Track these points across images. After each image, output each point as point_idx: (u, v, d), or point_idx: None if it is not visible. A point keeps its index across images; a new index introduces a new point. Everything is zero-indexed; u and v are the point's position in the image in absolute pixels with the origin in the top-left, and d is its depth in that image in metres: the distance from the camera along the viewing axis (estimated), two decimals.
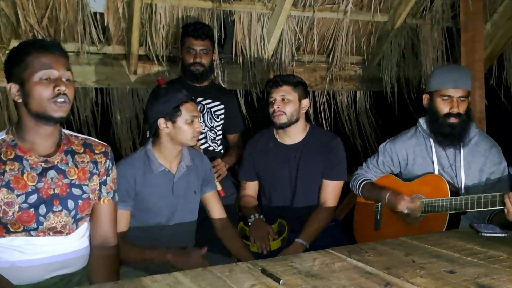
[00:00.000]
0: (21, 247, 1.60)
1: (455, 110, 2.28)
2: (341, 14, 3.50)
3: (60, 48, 1.64)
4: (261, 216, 2.50)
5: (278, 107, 2.46)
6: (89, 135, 3.18)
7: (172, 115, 2.09)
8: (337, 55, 3.70)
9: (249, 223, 2.48)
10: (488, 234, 1.89)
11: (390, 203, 2.36)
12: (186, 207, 2.23)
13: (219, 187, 2.58)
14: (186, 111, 2.11)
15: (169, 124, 2.10)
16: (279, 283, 1.35)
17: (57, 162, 1.65)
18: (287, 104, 2.47)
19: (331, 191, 2.53)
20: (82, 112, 3.24)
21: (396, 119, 3.88)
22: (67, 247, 1.68)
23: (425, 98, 2.43)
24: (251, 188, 2.68)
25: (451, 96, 2.29)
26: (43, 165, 1.62)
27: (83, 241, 1.75)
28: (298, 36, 3.52)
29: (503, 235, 1.88)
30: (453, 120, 2.29)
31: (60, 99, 1.56)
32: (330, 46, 3.72)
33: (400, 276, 1.41)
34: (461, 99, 2.30)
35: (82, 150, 1.74)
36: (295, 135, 2.56)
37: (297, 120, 2.51)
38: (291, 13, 3.35)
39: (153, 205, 2.14)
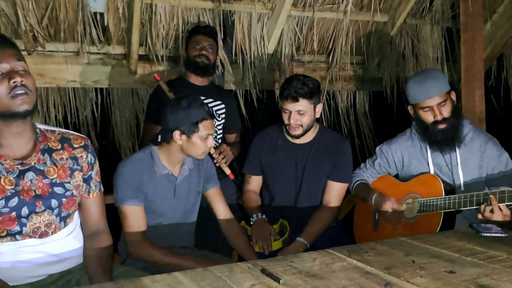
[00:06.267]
0: (11, 251, 1.58)
1: (439, 118, 2.28)
2: (341, 14, 3.50)
3: (5, 39, 1.56)
4: (264, 216, 2.50)
5: (296, 121, 2.43)
6: (89, 135, 3.20)
7: (189, 131, 2.06)
8: (337, 55, 3.70)
9: (251, 222, 2.48)
10: (488, 234, 1.89)
11: (376, 203, 2.41)
12: (187, 208, 2.23)
13: (228, 171, 2.63)
14: (203, 128, 2.08)
15: (184, 137, 2.07)
16: (279, 283, 1.35)
17: (34, 163, 1.60)
18: (303, 116, 2.43)
19: (335, 192, 2.53)
20: (82, 112, 3.25)
21: (395, 120, 3.89)
22: (58, 247, 1.67)
23: (410, 109, 2.42)
24: (255, 183, 2.67)
25: (430, 106, 2.28)
26: (19, 168, 1.57)
27: (76, 239, 1.74)
28: (298, 36, 3.51)
29: (503, 235, 1.88)
30: (441, 126, 2.29)
31: (19, 91, 1.48)
32: (330, 46, 3.72)
33: (400, 276, 1.41)
34: (441, 104, 2.28)
35: (59, 147, 1.68)
36: (305, 136, 2.55)
37: (312, 127, 2.50)
38: (291, 13, 3.35)
39: (156, 206, 2.14)
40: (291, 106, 2.41)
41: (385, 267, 1.49)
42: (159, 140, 2.14)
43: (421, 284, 1.35)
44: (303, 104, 2.40)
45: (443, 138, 2.31)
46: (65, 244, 1.69)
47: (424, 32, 3.87)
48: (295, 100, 2.39)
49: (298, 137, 2.50)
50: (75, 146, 1.71)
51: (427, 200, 2.28)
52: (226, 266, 1.50)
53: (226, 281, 1.37)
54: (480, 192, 2.10)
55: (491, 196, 2.03)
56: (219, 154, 2.63)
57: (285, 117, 2.46)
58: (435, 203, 2.24)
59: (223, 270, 1.46)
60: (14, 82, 1.48)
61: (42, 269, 1.64)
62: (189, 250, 2.24)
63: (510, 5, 3.72)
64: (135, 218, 2.05)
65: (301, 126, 2.45)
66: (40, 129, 1.67)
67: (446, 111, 2.29)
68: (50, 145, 1.66)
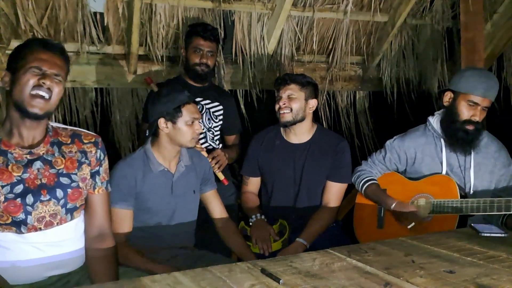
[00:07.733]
0: (15, 245, 1.59)
1: (476, 119, 2.25)
2: (341, 14, 3.49)
3: (61, 50, 1.66)
4: (263, 217, 2.50)
5: (284, 104, 2.46)
6: None
7: (172, 116, 2.09)
8: (337, 55, 3.69)
9: (250, 223, 2.48)
10: (488, 234, 1.89)
11: (398, 213, 2.34)
12: (185, 206, 2.23)
13: (221, 177, 2.60)
14: (187, 112, 2.11)
15: (169, 124, 2.10)
16: (279, 283, 1.35)
17: (43, 153, 1.66)
18: (293, 100, 2.46)
19: (334, 192, 2.53)
20: (82, 112, 3.24)
21: (395, 120, 3.88)
22: (63, 247, 1.67)
23: (447, 95, 2.35)
24: (253, 184, 2.68)
25: (478, 104, 2.25)
26: (28, 157, 1.63)
27: (79, 241, 1.74)
28: (298, 36, 3.51)
29: (503, 235, 1.88)
30: (470, 127, 2.26)
31: (40, 92, 1.58)
32: (330, 46, 3.71)
33: (400, 276, 1.41)
34: (486, 108, 2.27)
35: (69, 141, 1.74)
36: (302, 134, 2.55)
37: (302, 119, 2.50)
38: (291, 13, 3.34)
39: (153, 204, 2.14)
40: (282, 91, 2.48)
41: (385, 267, 1.49)
42: (147, 134, 2.16)
43: (421, 284, 1.36)
44: (293, 88, 2.46)
45: (463, 139, 2.29)
46: (70, 247, 1.70)
47: (424, 32, 3.87)
48: (286, 83, 2.47)
49: (287, 125, 2.50)
50: (85, 141, 1.77)
51: (441, 201, 2.24)
52: (226, 266, 1.50)
53: (226, 281, 1.37)
54: (502, 198, 2.07)
55: None
56: (212, 159, 2.61)
57: (276, 104, 2.50)
58: (450, 205, 2.20)
59: (223, 270, 1.46)
60: (43, 82, 1.57)
61: (44, 271, 1.64)
62: (189, 250, 2.23)
63: (510, 5, 3.71)
64: (121, 221, 2.06)
65: (290, 110, 2.46)
66: (52, 126, 1.74)
67: (482, 117, 2.27)
68: (60, 139, 1.73)
